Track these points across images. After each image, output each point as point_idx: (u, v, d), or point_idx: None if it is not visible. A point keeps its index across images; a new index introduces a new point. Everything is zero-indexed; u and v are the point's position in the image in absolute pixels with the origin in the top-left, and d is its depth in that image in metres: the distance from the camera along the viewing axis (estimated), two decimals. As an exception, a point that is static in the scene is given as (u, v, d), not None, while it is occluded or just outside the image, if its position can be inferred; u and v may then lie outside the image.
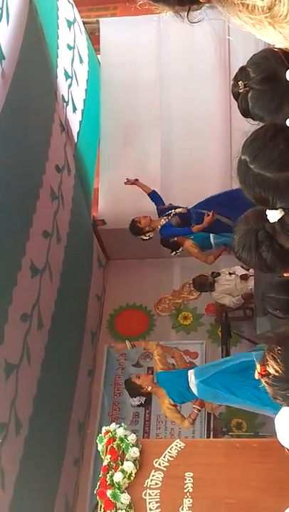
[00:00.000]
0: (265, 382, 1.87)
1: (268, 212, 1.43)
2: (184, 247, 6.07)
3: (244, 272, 6.09)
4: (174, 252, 6.17)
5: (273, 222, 1.43)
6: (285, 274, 1.86)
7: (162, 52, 6.67)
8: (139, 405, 5.25)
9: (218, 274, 6.24)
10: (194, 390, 4.60)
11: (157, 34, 6.59)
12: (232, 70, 5.81)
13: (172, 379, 4.83)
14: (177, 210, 5.88)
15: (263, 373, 1.87)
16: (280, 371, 1.81)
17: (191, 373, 4.64)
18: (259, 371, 1.88)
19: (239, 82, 2.00)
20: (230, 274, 6.15)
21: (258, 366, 1.89)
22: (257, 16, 0.81)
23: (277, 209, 1.40)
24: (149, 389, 4.88)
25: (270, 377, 1.84)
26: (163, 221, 5.90)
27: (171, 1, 0.92)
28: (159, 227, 5.92)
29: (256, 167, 1.39)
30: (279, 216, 1.41)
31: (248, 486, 3.51)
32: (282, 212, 1.40)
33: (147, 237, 6.04)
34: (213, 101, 6.31)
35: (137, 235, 6.04)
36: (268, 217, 1.43)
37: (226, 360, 4.83)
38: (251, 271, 5.90)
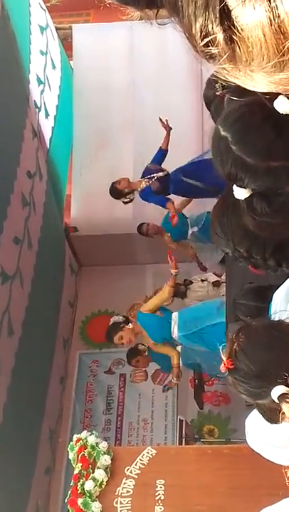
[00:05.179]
0: (234, 378, 1.76)
1: (235, 188, 1.39)
2: (164, 240, 6.08)
3: (216, 278, 6.12)
4: (127, 200, 5.93)
5: (239, 200, 1.40)
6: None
7: (135, 59, 6.68)
8: None
9: (191, 282, 6.26)
10: (176, 336, 5.07)
11: (130, 40, 6.59)
12: (204, 75, 5.84)
13: (156, 323, 5.30)
14: (158, 174, 5.71)
15: (231, 368, 1.76)
16: (252, 368, 1.73)
17: (175, 316, 5.17)
18: (226, 364, 1.77)
19: (217, 85, 1.96)
20: (202, 280, 6.17)
21: (225, 359, 1.78)
22: (239, 66, 0.74)
23: (246, 188, 1.37)
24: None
25: (241, 373, 1.75)
26: (143, 184, 5.75)
27: (140, 4, 0.88)
28: (139, 189, 5.78)
29: (238, 150, 1.35)
30: (246, 195, 1.37)
31: (219, 492, 3.49)
32: (251, 192, 1.36)
33: (127, 200, 5.89)
34: (185, 106, 6.34)
35: (117, 197, 5.87)
36: (234, 193, 1.39)
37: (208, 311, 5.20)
38: (223, 277, 5.93)
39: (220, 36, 0.69)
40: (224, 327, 4.48)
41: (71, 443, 3.87)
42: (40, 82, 5.82)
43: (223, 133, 1.39)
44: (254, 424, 2.33)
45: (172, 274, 5.46)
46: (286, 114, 1.31)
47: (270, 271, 1.86)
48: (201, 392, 5.83)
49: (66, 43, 6.52)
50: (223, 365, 1.79)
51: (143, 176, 5.84)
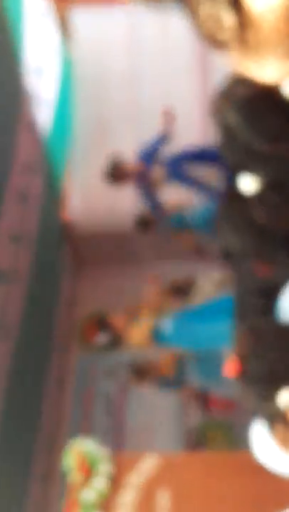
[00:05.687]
0: (240, 381, 1.69)
1: (243, 180, 1.39)
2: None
3: (221, 277, 6.03)
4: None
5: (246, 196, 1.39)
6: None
7: (137, 46, 6.61)
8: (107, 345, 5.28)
9: (194, 281, 6.18)
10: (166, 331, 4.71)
11: (132, 26, 6.53)
12: (209, 63, 5.85)
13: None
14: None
15: (238, 370, 1.67)
16: (260, 370, 1.65)
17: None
18: (233, 366, 1.67)
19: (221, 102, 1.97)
20: (207, 279, 6.10)
21: (232, 361, 1.69)
22: (248, 52, 0.71)
23: (254, 176, 1.36)
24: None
25: (248, 376, 1.66)
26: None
27: None
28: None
29: (246, 135, 1.30)
30: (252, 185, 1.37)
31: (225, 501, 3.44)
32: (259, 184, 1.37)
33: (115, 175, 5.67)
34: (189, 96, 6.27)
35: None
36: (241, 186, 1.39)
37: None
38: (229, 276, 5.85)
39: (229, 22, 0.68)
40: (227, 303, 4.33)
41: (68, 449, 3.79)
42: (37, 71, 5.74)
43: (230, 119, 1.38)
44: (258, 434, 2.28)
45: None
46: None
47: (278, 267, 1.89)
48: (206, 396, 5.75)
49: (65, 29, 6.43)
50: (229, 367, 1.72)
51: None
